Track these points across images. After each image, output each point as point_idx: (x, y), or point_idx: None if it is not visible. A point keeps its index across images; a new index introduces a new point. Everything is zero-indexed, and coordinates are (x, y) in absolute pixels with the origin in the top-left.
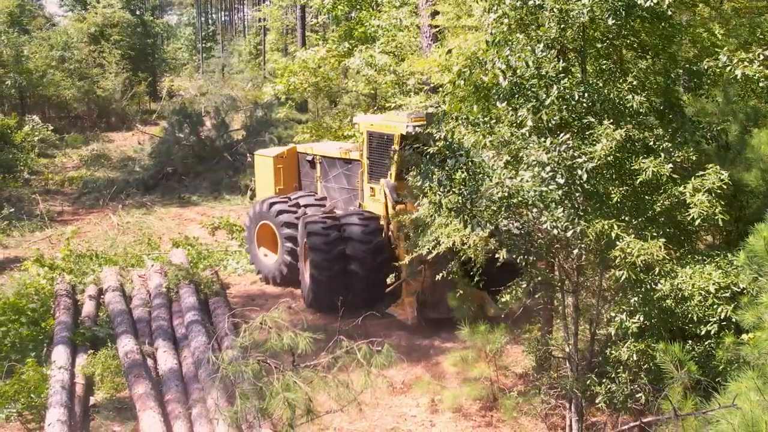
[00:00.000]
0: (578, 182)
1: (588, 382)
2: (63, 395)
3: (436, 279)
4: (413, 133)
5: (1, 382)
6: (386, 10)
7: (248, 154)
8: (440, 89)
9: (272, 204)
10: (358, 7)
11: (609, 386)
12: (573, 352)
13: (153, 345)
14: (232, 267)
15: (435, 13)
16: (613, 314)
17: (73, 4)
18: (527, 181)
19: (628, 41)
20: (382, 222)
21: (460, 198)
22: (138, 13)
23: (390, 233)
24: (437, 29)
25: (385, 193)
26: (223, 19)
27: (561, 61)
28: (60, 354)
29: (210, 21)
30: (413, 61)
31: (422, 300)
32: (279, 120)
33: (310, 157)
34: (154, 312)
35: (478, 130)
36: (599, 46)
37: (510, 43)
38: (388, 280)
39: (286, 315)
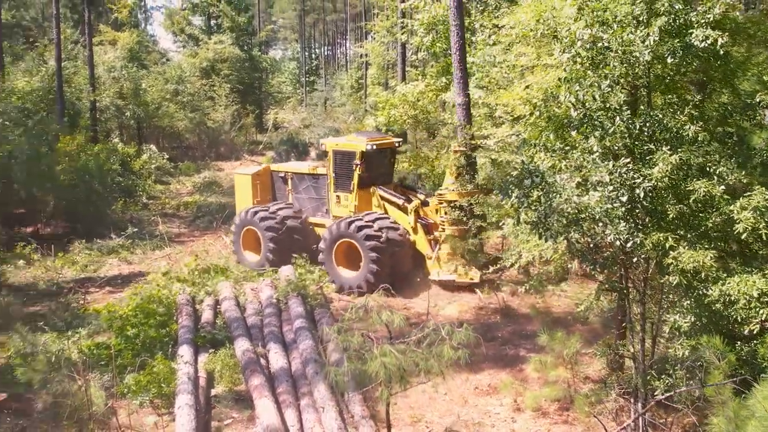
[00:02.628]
0: (638, 200)
1: (648, 378)
2: (189, 385)
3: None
4: (372, 150)
5: (134, 374)
6: (480, 48)
7: None
8: (522, 120)
9: (256, 212)
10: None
11: (667, 381)
12: (638, 351)
13: (265, 347)
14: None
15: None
16: (668, 315)
17: (186, 40)
18: (595, 199)
19: (688, 77)
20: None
21: (535, 213)
22: (246, 48)
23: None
24: (522, 68)
25: (385, 197)
26: (326, 53)
27: (630, 95)
28: (185, 351)
29: (313, 56)
30: (499, 94)
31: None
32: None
33: (282, 174)
34: (265, 320)
35: (554, 155)
36: (664, 81)
37: (580, 79)
38: (432, 254)
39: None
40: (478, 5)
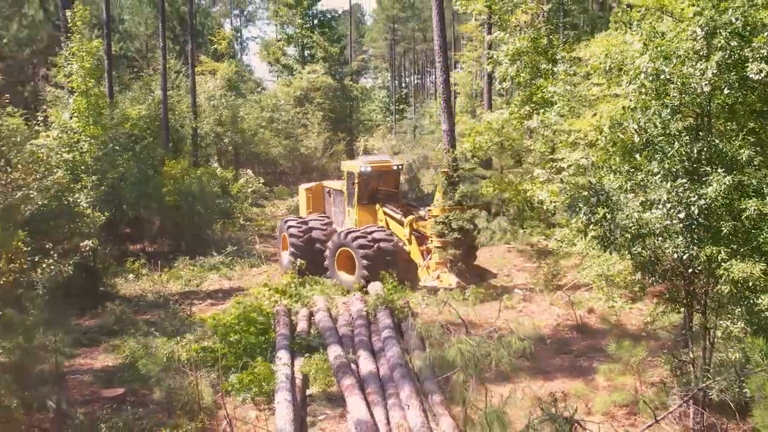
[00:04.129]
0: (694, 217)
1: (706, 382)
2: (287, 383)
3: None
4: (367, 171)
5: (238, 374)
6: (562, 77)
7: None
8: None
9: (287, 222)
10: (538, 74)
11: (722, 383)
12: (698, 357)
13: (355, 353)
14: (419, 300)
15: None
16: (720, 322)
17: (281, 70)
18: (655, 216)
19: (747, 106)
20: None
21: (601, 229)
22: (338, 77)
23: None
24: (594, 98)
25: (387, 212)
26: (415, 82)
27: (693, 122)
28: (283, 355)
29: (403, 84)
30: (572, 121)
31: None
32: (465, 176)
33: (327, 190)
34: (356, 330)
35: (620, 176)
36: (723, 110)
37: (643, 108)
38: (423, 262)
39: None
40: (561, 37)
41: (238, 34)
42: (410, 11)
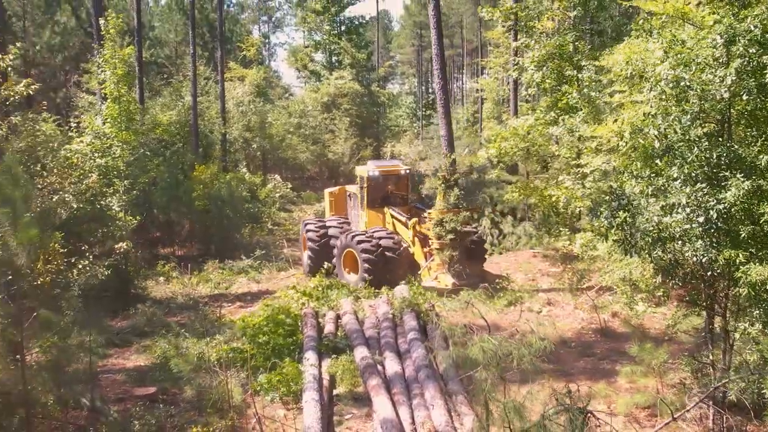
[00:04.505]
0: (712, 221)
1: (725, 382)
2: (315, 383)
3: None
4: (375, 175)
5: (266, 374)
6: (588, 84)
7: None
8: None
9: (306, 223)
10: (564, 81)
11: (740, 384)
12: (719, 359)
13: (381, 355)
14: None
15: None
16: (738, 324)
17: (309, 76)
18: (674, 220)
19: (765, 112)
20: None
21: (621, 232)
22: (365, 83)
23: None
24: (617, 104)
25: (393, 215)
26: None
27: (713, 127)
28: (310, 356)
29: (430, 90)
30: (594, 127)
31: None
32: (492, 181)
33: (348, 193)
34: (382, 332)
35: (641, 181)
36: (743, 116)
37: (663, 114)
38: (425, 263)
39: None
40: (588, 44)
41: (267, 41)
42: None
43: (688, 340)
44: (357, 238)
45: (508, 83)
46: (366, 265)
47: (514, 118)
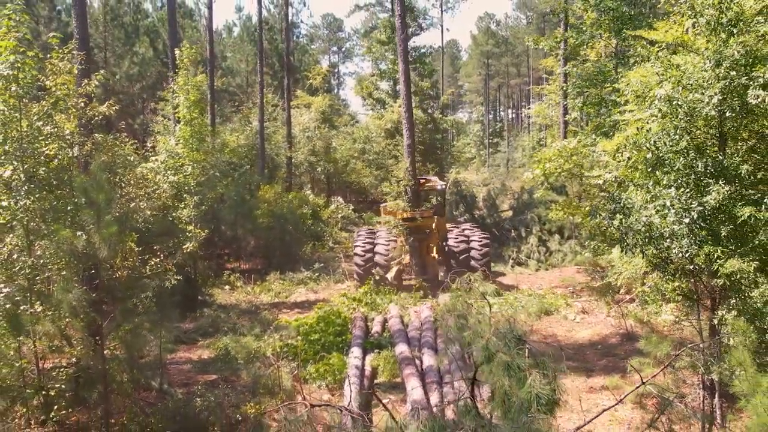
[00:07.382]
0: (695, 221)
1: (711, 366)
2: (357, 371)
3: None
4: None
5: (315, 364)
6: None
7: (512, 230)
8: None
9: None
10: (604, 105)
11: (723, 366)
12: (706, 345)
13: (420, 351)
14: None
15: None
16: (719, 312)
17: (374, 103)
18: (659, 220)
19: (749, 127)
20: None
21: (618, 232)
22: (429, 111)
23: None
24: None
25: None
26: (510, 116)
27: (703, 141)
28: (355, 351)
29: (498, 118)
30: (602, 142)
31: (399, 270)
32: (540, 201)
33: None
34: (423, 333)
35: (642, 191)
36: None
37: (657, 130)
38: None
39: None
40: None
41: (335, 70)
42: (504, 47)
43: (693, 333)
44: (357, 250)
45: (559, 108)
46: (357, 269)
47: (558, 141)
